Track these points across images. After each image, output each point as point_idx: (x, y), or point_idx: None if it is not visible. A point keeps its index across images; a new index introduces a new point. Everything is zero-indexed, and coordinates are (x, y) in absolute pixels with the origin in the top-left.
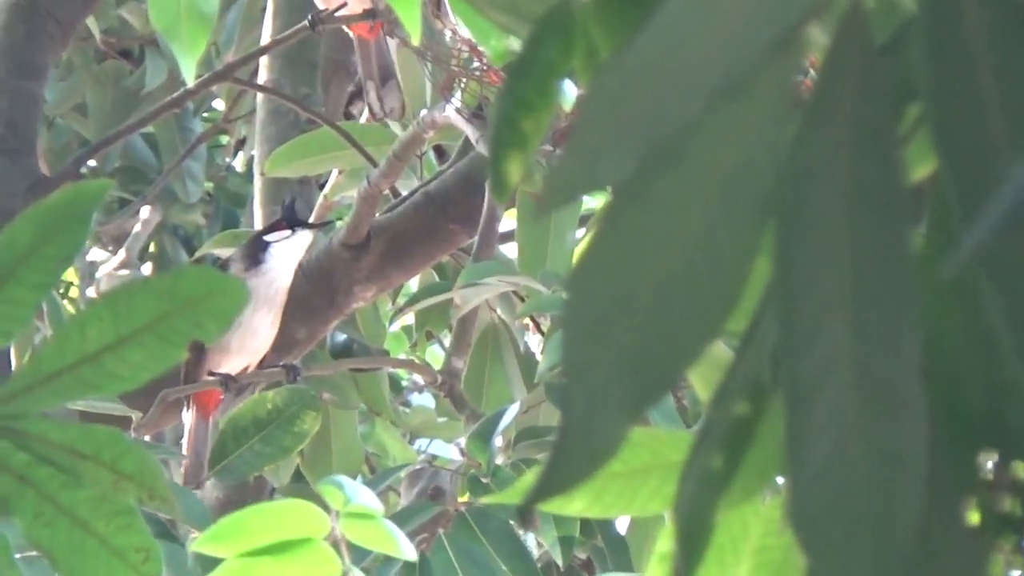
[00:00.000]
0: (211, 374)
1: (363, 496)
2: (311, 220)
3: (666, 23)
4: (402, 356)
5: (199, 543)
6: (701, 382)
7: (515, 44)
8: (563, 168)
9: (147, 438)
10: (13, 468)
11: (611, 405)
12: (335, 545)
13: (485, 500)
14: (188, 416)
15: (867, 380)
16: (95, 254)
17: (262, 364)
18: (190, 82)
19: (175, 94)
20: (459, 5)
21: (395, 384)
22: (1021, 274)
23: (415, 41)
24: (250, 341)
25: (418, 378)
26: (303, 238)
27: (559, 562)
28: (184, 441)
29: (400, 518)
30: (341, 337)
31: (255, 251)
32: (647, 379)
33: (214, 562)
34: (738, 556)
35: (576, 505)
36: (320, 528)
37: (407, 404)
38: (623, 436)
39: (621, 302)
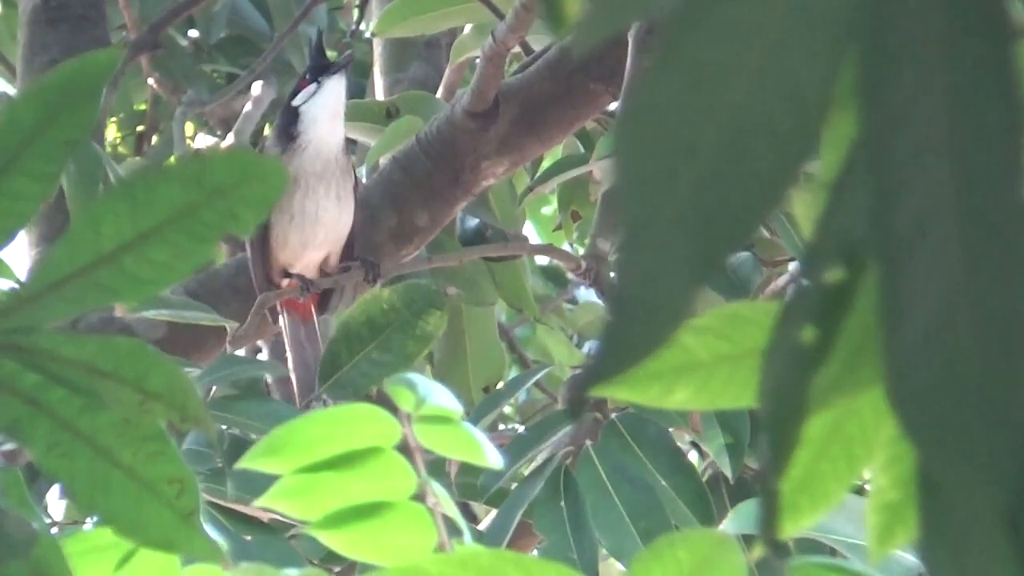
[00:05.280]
0: (287, 275)
1: (440, 396)
2: (441, 87)
3: None
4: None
5: (248, 459)
6: None
7: None
8: None
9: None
10: (22, 391)
11: (676, 264)
12: (408, 454)
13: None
14: (284, 323)
15: (972, 229)
16: (201, 140)
17: (350, 253)
18: None
19: None
20: None
21: (559, 278)
22: None
23: None
24: (313, 231)
25: None
26: (333, 87)
27: (728, 474)
28: (288, 353)
29: (540, 428)
30: (472, 222)
31: (285, 124)
32: (716, 232)
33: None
34: (870, 448)
35: (678, 396)
36: (390, 435)
37: (573, 301)
38: (691, 300)
39: (683, 146)
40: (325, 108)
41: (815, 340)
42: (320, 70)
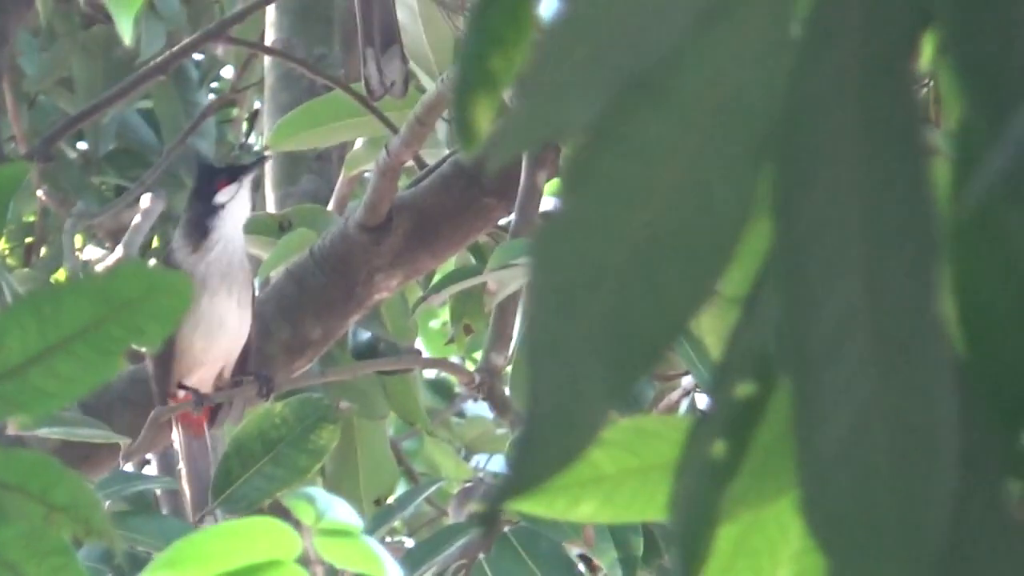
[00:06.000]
0: (180, 387)
1: (339, 510)
2: (332, 200)
3: None
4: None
5: (148, 574)
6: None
7: None
8: (519, 110)
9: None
10: None
11: (588, 383)
12: (308, 567)
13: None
14: (177, 437)
15: (886, 345)
16: (90, 252)
17: (243, 367)
18: (127, 41)
19: (158, 58)
20: None
21: (447, 391)
22: None
23: None
24: (218, 335)
25: None
26: (247, 188)
27: None
28: (183, 468)
29: (433, 542)
30: (365, 335)
31: (199, 220)
32: (630, 351)
33: None
34: (775, 561)
35: (584, 509)
36: (290, 548)
37: (461, 414)
38: (603, 420)
39: (597, 264)
40: (243, 208)
41: (726, 454)
42: (237, 170)
